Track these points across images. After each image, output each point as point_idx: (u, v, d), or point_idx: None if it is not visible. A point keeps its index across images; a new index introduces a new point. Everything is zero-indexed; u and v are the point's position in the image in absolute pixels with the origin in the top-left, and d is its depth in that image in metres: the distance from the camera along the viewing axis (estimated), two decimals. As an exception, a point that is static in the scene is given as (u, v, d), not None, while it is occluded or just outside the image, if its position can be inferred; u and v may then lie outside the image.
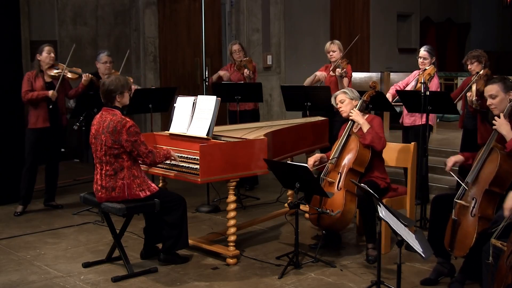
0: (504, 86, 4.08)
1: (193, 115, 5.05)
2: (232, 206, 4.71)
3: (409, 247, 3.70)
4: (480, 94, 5.24)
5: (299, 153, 5.65)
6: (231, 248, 4.74)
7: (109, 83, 4.47)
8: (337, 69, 6.46)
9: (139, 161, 4.46)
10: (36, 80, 6.05)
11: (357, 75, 10.01)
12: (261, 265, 4.71)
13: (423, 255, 3.53)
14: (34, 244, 5.25)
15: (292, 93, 6.55)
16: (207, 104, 4.97)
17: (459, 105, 6.30)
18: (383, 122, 5.49)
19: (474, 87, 5.50)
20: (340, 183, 4.79)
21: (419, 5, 13.36)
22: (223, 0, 10.14)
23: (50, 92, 5.98)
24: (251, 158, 4.70)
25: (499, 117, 4.02)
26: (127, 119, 4.41)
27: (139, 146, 4.38)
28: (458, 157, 4.38)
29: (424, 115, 5.66)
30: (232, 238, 4.75)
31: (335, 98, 5.09)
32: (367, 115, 5.00)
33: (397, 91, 6.17)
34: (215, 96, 5.00)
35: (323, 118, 6.10)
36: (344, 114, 5.04)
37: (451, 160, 4.37)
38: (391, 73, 9.83)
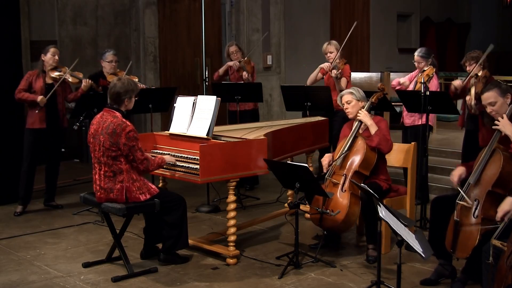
0: (500, 91, 4.07)
1: (193, 115, 5.04)
2: (232, 206, 4.71)
3: (409, 247, 3.70)
4: (478, 97, 5.23)
5: (299, 153, 5.65)
6: (231, 248, 4.74)
7: (121, 86, 4.44)
8: (333, 70, 6.47)
9: (133, 166, 4.44)
10: (37, 80, 6.05)
11: (357, 75, 10.02)
12: (261, 265, 4.71)
13: (423, 255, 3.53)
14: (34, 244, 5.25)
15: (292, 93, 6.55)
16: (207, 104, 4.97)
17: (459, 105, 6.30)
18: (383, 122, 5.47)
19: (473, 91, 5.50)
20: (345, 185, 4.75)
21: (419, 5, 13.36)
22: (223, 0, 10.13)
23: (39, 98, 5.96)
24: (251, 158, 4.70)
25: (502, 117, 4.01)
26: (128, 123, 4.40)
27: (136, 151, 4.38)
28: (461, 170, 4.26)
29: (424, 115, 5.66)
30: (232, 238, 4.75)
31: (341, 98, 5.01)
32: (373, 117, 4.97)
33: (397, 91, 6.17)
34: (215, 96, 5.00)
35: (323, 118, 6.10)
36: (350, 116, 4.97)
37: (455, 175, 4.23)
38: (391, 73, 9.83)
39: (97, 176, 4.49)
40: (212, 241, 5.05)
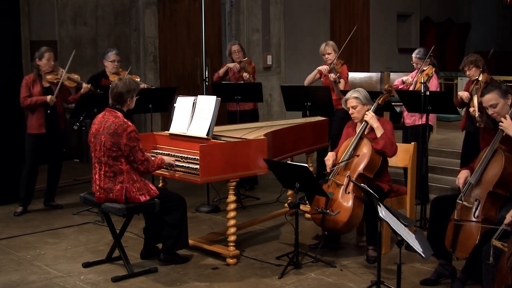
0: (500, 92, 4.06)
1: (193, 115, 5.04)
2: (232, 206, 4.71)
3: (409, 247, 3.70)
4: (481, 107, 5.20)
5: (299, 153, 5.65)
6: (231, 248, 4.74)
7: (123, 86, 4.44)
8: (331, 75, 6.46)
9: (134, 167, 4.44)
10: (34, 86, 6.03)
11: (357, 75, 10.03)
12: (261, 265, 4.71)
13: (423, 255, 3.53)
14: (34, 244, 5.25)
15: (292, 93, 6.55)
16: (207, 104, 4.97)
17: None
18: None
19: (475, 100, 5.48)
20: (349, 187, 4.73)
21: (419, 5, 13.36)
22: (223, 0, 10.13)
23: (49, 97, 5.97)
24: (251, 158, 4.70)
25: (505, 118, 4.00)
26: (129, 123, 4.40)
27: (136, 152, 4.37)
28: (466, 173, 4.22)
29: (424, 115, 5.66)
30: (232, 238, 4.75)
31: (346, 102, 4.94)
32: (378, 118, 4.93)
33: (397, 91, 6.17)
34: (215, 96, 4.99)
35: (323, 118, 6.09)
36: (356, 120, 4.94)
37: (461, 179, 4.20)
38: (391, 73, 9.83)
39: (97, 176, 4.49)
40: (212, 241, 5.04)
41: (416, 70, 6.31)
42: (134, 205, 4.41)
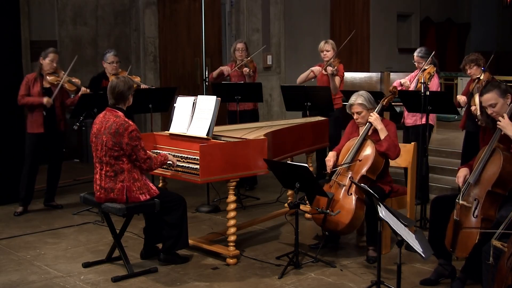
0: (500, 91, 4.06)
1: (193, 115, 5.04)
2: (232, 206, 4.71)
3: (409, 247, 3.70)
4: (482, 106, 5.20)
5: (299, 153, 5.65)
6: (231, 248, 4.74)
7: (123, 85, 4.44)
8: (329, 67, 6.50)
9: (136, 165, 4.44)
10: (34, 85, 6.03)
11: (357, 75, 10.02)
12: (261, 265, 4.71)
13: (423, 255, 3.53)
14: (34, 244, 5.25)
15: (292, 93, 6.55)
16: (207, 104, 4.97)
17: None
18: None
19: (477, 99, 5.48)
20: (351, 188, 4.72)
21: (419, 5, 13.37)
22: (223, 0, 10.13)
23: (45, 100, 5.97)
24: (251, 158, 4.70)
25: (503, 117, 4.00)
26: (130, 122, 4.40)
27: (138, 151, 4.38)
28: (466, 171, 4.22)
29: (425, 114, 5.66)
30: (232, 238, 4.75)
31: (351, 107, 4.91)
32: (382, 119, 4.91)
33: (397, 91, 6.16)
34: (215, 96, 4.99)
35: (323, 118, 6.09)
36: (360, 125, 4.93)
37: (461, 177, 4.20)
38: (391, 73, 9.82)
39: (97, 176, 4.49)
40: (212, 241, 5.04)
41: (416, 70, 6.31)
42: (134, 205, 4.41)
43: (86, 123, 7.26)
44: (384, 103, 5.01)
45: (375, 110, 4.89)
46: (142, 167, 4.44)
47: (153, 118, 6.74)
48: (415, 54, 6.26)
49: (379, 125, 4.81)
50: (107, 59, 6.53)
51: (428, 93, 5.54)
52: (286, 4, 10.60)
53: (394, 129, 4.88)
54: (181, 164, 4.74)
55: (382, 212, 3.65)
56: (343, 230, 4.73)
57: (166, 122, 5.86)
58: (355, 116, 4.92)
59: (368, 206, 4.58)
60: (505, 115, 3.98)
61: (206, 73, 7.94)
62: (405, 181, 5.47)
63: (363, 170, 4.75)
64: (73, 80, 6.21)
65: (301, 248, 4.81)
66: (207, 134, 4.87)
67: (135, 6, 9.22)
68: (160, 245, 4.78)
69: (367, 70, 11.42)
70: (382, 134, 4.78)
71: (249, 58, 7.11)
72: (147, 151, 4.49)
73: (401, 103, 6.28)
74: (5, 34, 6.48)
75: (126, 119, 4.41)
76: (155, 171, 4.78)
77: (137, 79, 6.65)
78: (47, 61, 6.06)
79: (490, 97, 4.07)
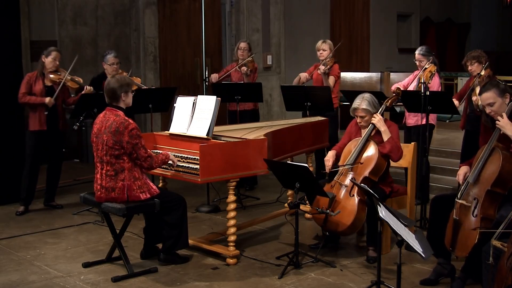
0: (498, 91, 4.05)
1: (193, 115, 5.04)
2: (232, 206, 4.71)
3: (409, 247, 3.70)
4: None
5: (299, 153, 5.65)
6: (231, 248, 4.74)
7: (115, 82, 4.46)
8: (321, 66, 6.53)
9: (137, 164, 4.45)
10: (36, 83, 6.04)
11: (357, 75, 10.02)
12: (261, 265, 4.71)
13: (423, 255, 3.53)
14: (34, 244, 5.25)
15: (292, 93, 6.55)
16: (207, 104, 4.97)
17: (462, 106, 6.29)
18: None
19: (478, 90, 5.48)
20: (353, 190, 4.71)
21: (419, 5, 13.36)
22: (223, 0, 10.13)
23: (47, 99, 5.97)
24: (251, 158, 4.70)
25: (502, 116, 4.00)
26: (130, 121, 4.41)
27: (139, 149, 4.38)
28: (466, 169, 4.23)
29: (425, 115, 5.66)
30: (232, 238, 4.75)
31: (355, 111, 4.88)
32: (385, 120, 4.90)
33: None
34: (215, 96, 5.00)
35: (323, 118, 6.09)
36: (363, 128, 4.92)
37: (461, 175, 4.22)
38: (391, 73, 9.82)
39: (98, 176, 4.49)
40: (212, 241, 5.04)
41: (416, 71, 6.30)
42: (134, 205, 4.41)
43: (86, 123, 7.26)
44: (388, 104, 5.00)
45: (378, 111, 4.88)
46: (143, 165, 4.44)
47: (153, 118, 6.74)
48: (417, 52, 6.25)
49: (382, 127, 4.80)
50: (108, 61, 6.53)
51: (428, 93, 5.54)
52: (286, 4, 10.60)
53: (396, 130, 4.87)
54: (181, 164, 4.74)
55: (382, 212, 3.65)
56: (345, 231, 4.72)
57: (166, 122, 5.87)
58: (358, 120, 4.92)
59: (368, 206, 4.58)
60: (504, 115, 3.98)
61: (206, 73, 7.94)
62: (405, 181, 5.47)
63: (366, 172, 4.74)
64: (75, 78, 6.22)
65: (301, 248, 4.81)
66: (207, 134, 4.87)
67: (135, 6, 9.22)
68: (160, 245, 4.78)
69: (367, 70, 11.42)
70: (385, 136, 4.78)
71: (249, 58, 7.11)
72: (148, 150, 4.49)
73: (402, 103, 6.27)
74: (5, 34, 6.48)
75: (126, 118, 4.42)
76: (155, 170, 4.79)
77: (138, 81, 6.64)
78: (50, 59, 6.07)
79: (489, 96, 4.07)
